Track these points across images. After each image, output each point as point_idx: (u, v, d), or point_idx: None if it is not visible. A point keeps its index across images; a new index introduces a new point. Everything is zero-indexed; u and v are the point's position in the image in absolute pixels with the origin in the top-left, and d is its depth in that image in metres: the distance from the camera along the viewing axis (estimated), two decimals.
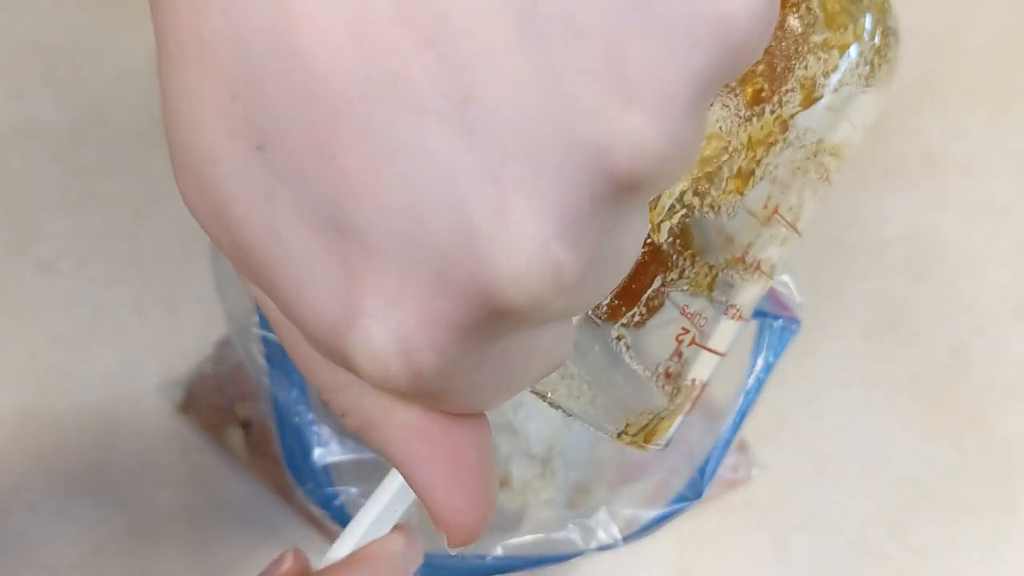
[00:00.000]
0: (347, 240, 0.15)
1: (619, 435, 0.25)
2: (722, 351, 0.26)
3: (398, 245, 0.15)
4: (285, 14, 0.14)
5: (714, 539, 0.46)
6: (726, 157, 0.23)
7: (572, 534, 0.34)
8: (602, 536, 0.34)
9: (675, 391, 0.25)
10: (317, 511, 0.32)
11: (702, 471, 0.33)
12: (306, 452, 0.35)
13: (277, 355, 0.36)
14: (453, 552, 0.27)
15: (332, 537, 0.45)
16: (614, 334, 0.24)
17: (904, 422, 0.48)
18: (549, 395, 0.24)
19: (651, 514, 0.34)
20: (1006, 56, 0.54)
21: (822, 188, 0.26)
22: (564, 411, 0.24)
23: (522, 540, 0.33)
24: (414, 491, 0.19)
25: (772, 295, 0.33)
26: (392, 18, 0.14)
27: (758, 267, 0.25)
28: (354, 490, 0.34)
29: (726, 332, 0.26)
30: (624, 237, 0.17)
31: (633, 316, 0.24)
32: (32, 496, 0.45)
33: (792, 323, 0.34)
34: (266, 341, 0.36)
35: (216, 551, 0.45)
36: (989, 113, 0.53)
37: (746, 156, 0.24)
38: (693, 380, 0.26)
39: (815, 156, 0.25)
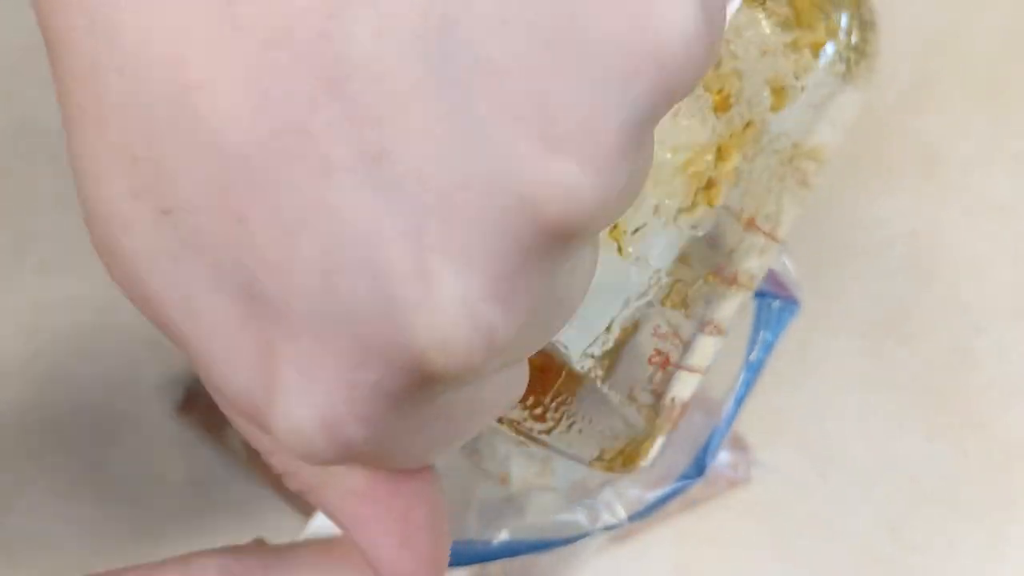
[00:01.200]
0: (261, 309, 0.14)
1: (591, 463, 0.24)
2: (701, 369, 0.25)
3: (314, 313, 0.14)
4: (179, 66, 0.13)
5: (714, 539, 0.46)
6: (693, 169, 0.21)
7: (578, 515, 0.33)
8: (607, 517, 0.33)
9: (653, 413, 0.24)
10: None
11: (705, 449, 0.33)
12: None
13: None
14: None
15: None
16: (585, 362, 0.22)
17: (904, 422, 0.48)
18: (518, 423, 0.22)
19: (656, 493, 0.33)
20: (1007, 56, 0.54)
21: (801, 193, 0.24)
22: (537, 442, 0.23)
23: (527, 522, 0.33)
24: (362, 553, 0.18)
25: (769, 274, 0.32)
26: (292, 66, 0.13)
27: (735, 280, 0.24)
28: None
29: (705, 349, 0.24)
30: (570, 278, 0.15)
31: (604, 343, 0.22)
32: (32, 496, 0.45)
33: (791, 303, 0.33)
34: None
35: None
36: (990, 113, 0.53)
37: (716, 166, 0.22)
38: (672, 399, 0.24)
39: (791, 161, 0.23)
